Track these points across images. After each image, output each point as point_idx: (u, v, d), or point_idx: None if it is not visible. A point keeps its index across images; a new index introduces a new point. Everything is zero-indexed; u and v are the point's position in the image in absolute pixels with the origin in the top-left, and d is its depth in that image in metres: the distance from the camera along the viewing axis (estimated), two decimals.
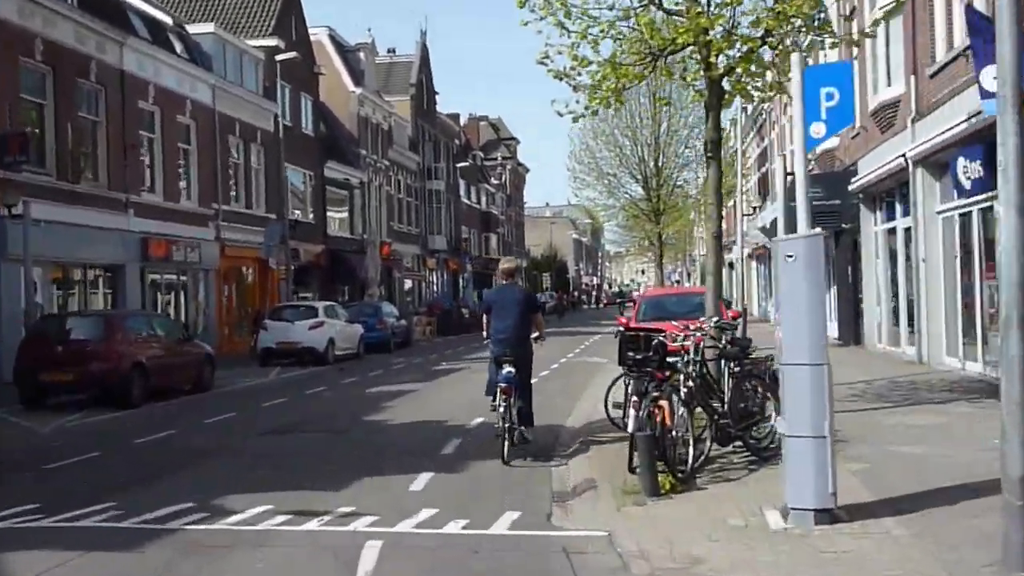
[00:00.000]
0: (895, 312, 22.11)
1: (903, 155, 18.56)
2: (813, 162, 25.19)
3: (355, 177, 45.54)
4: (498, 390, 10.89)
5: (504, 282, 12.14)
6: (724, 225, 50.36)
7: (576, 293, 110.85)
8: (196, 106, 31.24)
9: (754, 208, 35.63)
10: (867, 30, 14.04)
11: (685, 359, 9.60)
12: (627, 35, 12.26)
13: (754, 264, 50.66)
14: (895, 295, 21.82)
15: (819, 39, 12.46)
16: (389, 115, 52.17)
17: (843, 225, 24.90)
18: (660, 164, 43.24)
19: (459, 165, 64.26)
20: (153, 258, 28.20)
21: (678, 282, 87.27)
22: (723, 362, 10.11)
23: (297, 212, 38.65)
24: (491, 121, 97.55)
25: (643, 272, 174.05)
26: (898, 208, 20.93)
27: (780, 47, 11.95)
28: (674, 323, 11.30)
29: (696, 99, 12.97)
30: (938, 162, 17.78)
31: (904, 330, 20.89)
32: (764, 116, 43.22)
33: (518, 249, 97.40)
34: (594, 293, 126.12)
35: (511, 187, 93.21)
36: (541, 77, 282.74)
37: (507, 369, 10.93)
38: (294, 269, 38.44)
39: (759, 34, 11.55)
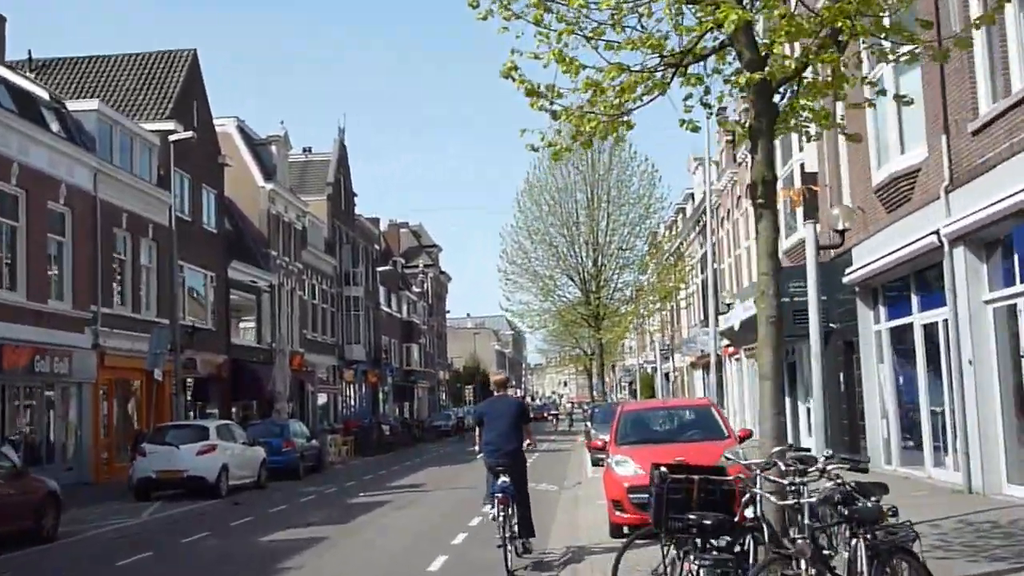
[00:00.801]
0: (910, 428, 18.41)
1: (935, 232, 15.02)
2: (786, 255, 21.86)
3: (264, 280, 41.11)
4: (496, 500, 11.03)
5: (496, 393, 12.32)
6: (667, 332, 46.65)
7: None
8: (73, 191, 26.78)
9: (728, 305, 32.09)
10: (961, 34, 9.87)
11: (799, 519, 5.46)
12: (626, 40, 8.36)
13: (698, 373, 47.05)
14: (912, 406, 18.12)
15: (897, 45, 8.76)
16: (303, 214, 48.12)
17: (831, 325, 21.37)
18: (600, 265, 39.83)
19: (380, 269, 60.13)
20: (9, 369, 23.35)
21: (605, 395, 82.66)
22: (849, 528, 5.94)
23: (196, 318, 34.05)
24: (412, 228, 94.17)
25: (565, 384, 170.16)
26: (914, 300, 17.39)
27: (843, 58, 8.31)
28: (732, 456, 7.23)
29: (729, 128, 9.16)
30: (985, 239, 14.31)
31: (930, 450, 17.13)
32: (709, 214, 40.16)
33: (440, 360, 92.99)
34: None
35: (433, 296, 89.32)
36: (461, 187, 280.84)
37: (502, 479, 11.16)
38: (192, 382, 33.68)
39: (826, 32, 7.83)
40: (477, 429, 11.92)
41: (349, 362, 54.69)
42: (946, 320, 15.31)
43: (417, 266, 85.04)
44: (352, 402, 57.18)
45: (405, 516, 17.78)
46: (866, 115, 16.68)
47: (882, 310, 18.91)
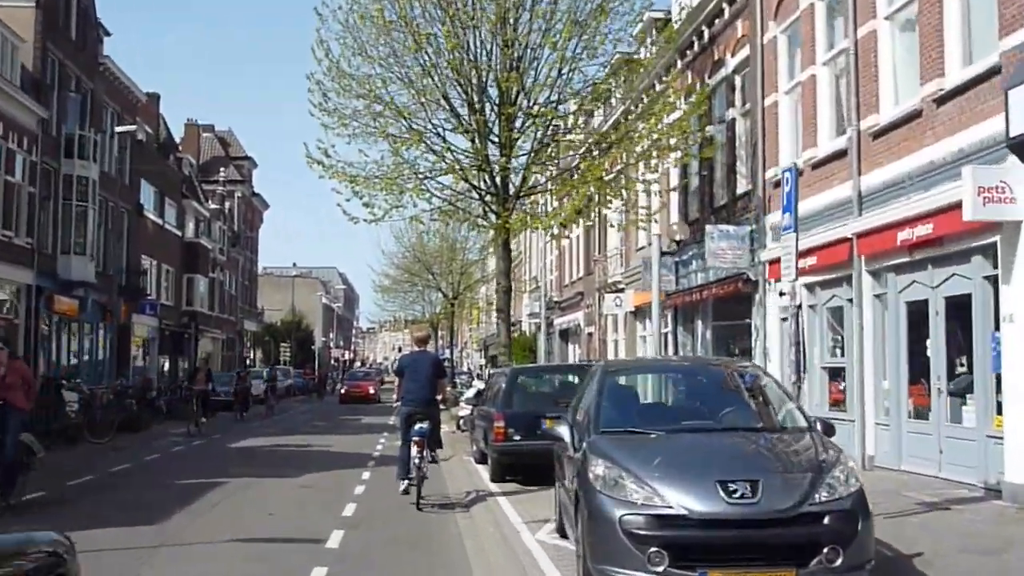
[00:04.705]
0: None
1: None
2: None
3: None
4: (413, 443, 12.24)
5: (417, 348, 13.35)
6: (569, 269, 25.64)
7: (329, 372, 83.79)
8: None
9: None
10: None
11: None
12: None
13: (642, 327, 27.73)
14: None
15: None
16: None
17: None
18: (515, 89, 19.84)
19: (119, 129, 36.66)
20: None
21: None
22: None
23: None
24: (219, 134, 71.83)
25: (399, 349, 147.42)
26: None
27: None
28: None
29: None
30: None
31: None
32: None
33: (247, 307, 71.09)
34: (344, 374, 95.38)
35: (241, 221, 67.32)
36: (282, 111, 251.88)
37: (419, 425, 12.28)
38: None
39: None
40: (398, 380, 13.18)
41: (65, 284, 33.09)
42: None
43: (218, 180, 62.66)
44: (76, 350, 35.79)
45: None
46: None
47: None
